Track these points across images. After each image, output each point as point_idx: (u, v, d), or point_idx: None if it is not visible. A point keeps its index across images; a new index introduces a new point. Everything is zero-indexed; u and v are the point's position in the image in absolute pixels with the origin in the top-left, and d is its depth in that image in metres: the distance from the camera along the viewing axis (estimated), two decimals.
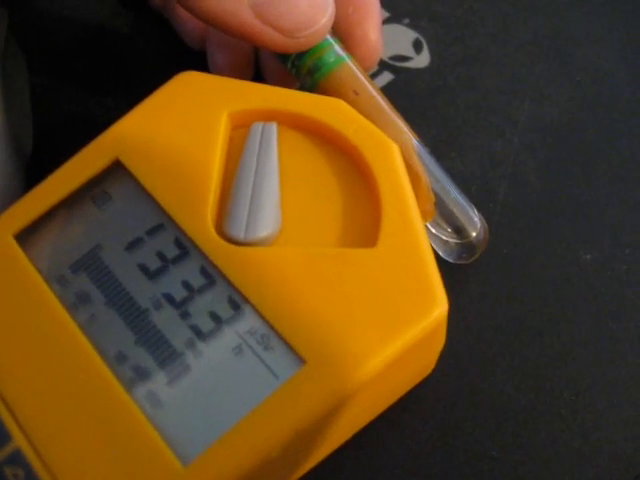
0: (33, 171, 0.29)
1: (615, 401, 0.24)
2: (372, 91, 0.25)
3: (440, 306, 0.20)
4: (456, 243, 0.24)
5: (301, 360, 0.20)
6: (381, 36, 0.27)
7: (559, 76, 0.30)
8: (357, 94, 0.25)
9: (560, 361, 0.25)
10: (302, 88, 0.26)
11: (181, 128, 0.23)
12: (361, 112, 0.23)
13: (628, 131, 0.29)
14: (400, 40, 0.31)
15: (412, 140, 0.24)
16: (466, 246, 0.24)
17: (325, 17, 0.24)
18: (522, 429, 0.24)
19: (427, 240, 0.21)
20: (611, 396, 0.24)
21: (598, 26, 0.31)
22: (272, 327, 0.20)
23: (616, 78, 0.30)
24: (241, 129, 0.24)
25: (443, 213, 0.24)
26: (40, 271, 0.22)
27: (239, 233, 0.21)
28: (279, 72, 0.28)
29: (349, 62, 0.25)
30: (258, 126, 0.23)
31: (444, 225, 0.24)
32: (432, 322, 0.20)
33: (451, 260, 0.25)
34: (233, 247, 0.21)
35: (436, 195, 0.24)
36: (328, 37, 0.25)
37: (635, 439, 0.23)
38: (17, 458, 0.20)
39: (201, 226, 0.22)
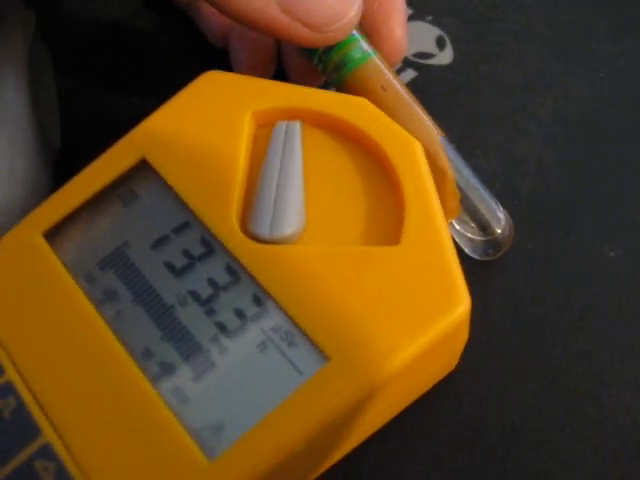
0: (61, 169, 0.29)
1: None
2: (399, 87, 0.25)
3: (463, 304, 0.20)
4: (481, 240, 0.24)
5: (325, 357, 0.20)
6: (406, 33, 0.27)
7: (582, 72, 0.30)
8: (384, 90, 0.25)
9: (584, 358, 0.25)
10: (328, 83, 0.26)
11: (206, 127, 0.24)
12: (387, 108, 0.24)
13: None
14: (423, 37, 0.31)
15: (438, 136, 0.24)
16: (491, 242, 0.24)
17: (353, 11, 0.24)
18: (545, 426, 0.24)
19: (450, 238, 0.21)
20: (636, 394, 0.24)
21: (622, 21, 0.31)
22: (296, 324, 0.20)
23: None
24: (265, 128, 0.24)
25: (468, 210, 0.24)
26: (68, 268, 0.23)
27: (264, 231, 0.22)
28: (302, 68, 0.28)
29: (376, 58, 0.25)
30: (282, 125, 0.23)
31: (469, 222, 0.24)
32: (455, 320, 0.20)
33: (476, 257, 0.25)
34: (258, 245, 0.22)
35: (461, 191, 0.24)
36: (355, 33, 0.25)
37: None
38: (47, 452, 0.20)
39: (226, 224, 0.22)
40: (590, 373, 0.24)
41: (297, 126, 0.23)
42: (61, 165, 0.29)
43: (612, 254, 0.26)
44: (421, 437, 0.24)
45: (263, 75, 0.29)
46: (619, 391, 0.24)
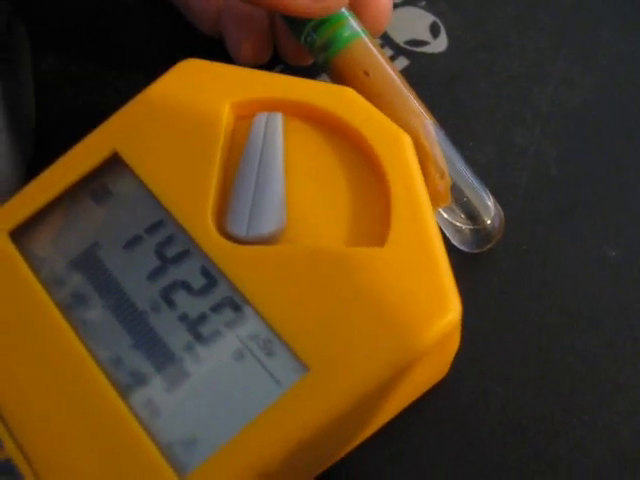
0: (36, 162, 0.28)
1: None
2: (387, 69, 0.24)
3: (453, 311, 0.19)
4: (470, 230, 0.23)
5: (304, 367, 0.19)
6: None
7: (583, 60, 0.28)
8: (368, 74, 0.23)
9: (582, 363, 0.23)
10: (315, 64, 0.25)
11: (182, 119, 0.22)
12: (374, 92, 0.23)
13: None
14: (416, 24, 0.30)
15: (426, 121, 0.23)
16: (480, 233, 0.23)
17: None
18: (540, 436, 0.22)
19: (440, 238, 0.20)
20: (636, 400, 0.23)
21: (625, 7, 0.29)
22: (275, 331, 0.19)
23: None
24: (245, 119, 0.22)
25: (456, 197, 0.23)
26: (35, 271, 0.21)
27: (240, 230, 0.20)
28: (293, 49, 0.27)
29: (364, 38, 0.24)
30: (262, 116, 0.22)
31: (458, 211, 0.23)
32: (444, 328, 0.19)
33: (465, 249, 0.24)
34: (235, 245, 0.20)
35: (451, 179, 0.23)
36: (344, 11, 0.24)
37: None
38: (8, 467, 0.19)
39: (201, 223, 0.21)
40: (588, 379, 0.23)
41: (278, 118, 0.22)
42: (36, 160, 0.28)
43: (613, 253, 0.25)
44: (409, 449, 0.22)
45: (260, 57, 0.28)
46: (619, 396, 0.23)
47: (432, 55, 0.29)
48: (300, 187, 0.21)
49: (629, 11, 0.29)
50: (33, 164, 0.28)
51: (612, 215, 0.26)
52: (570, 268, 0.25)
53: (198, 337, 0.20)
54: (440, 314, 0.19)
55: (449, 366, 0.22)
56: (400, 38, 0.29)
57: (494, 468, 0.22)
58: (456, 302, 0.19)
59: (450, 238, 0.24)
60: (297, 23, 0.25)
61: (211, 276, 0.20)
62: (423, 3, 0.30)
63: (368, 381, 0.18)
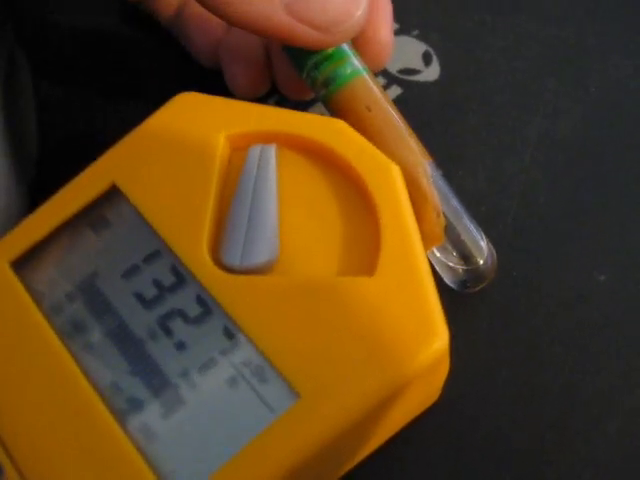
0: (38, 191, 0.29)
1: (631, 434, 0.23)
2: (386, 108, 0.24)
3: (440, 338, 0.19)
4: (462, 269, 0.23)
5: (296, 394, 0.19)
6: (392, 35, 0.26)
7: (573, 90, 0.29)
8: (369, 110, 0.24)
9: (573, 390, 0.24)
10: (316, 99, 0.25)
11: (178, 151, 0.23)
12: (373, 129, 0.23)
13: None
14: (409, 52, 0.30)
15: (425, 161, 0.23)
16: (473, 273, 0.23)
17: (359, 10, 0.23)
18: (533, 461, 0.23)
19: (428, 268, 0.20)
20: (626, 428, 0.23)
21: (614, 37, 0.30)
22: (267, 358, 0.20)
23: (633, 91, 0.29)
24: (241, 151, 0.23)
25: (451, 238, 0.23)
26: (35, 299, 0.22)
27: (234, 260, 0.21)
28: (293, 82, 0.28)
29: (365, 76, 0.24)
30: (256, 148, 0.23)
31: (451, 250, 0.23)
32: (432, 355, 0.19)
33: (457, 288, 0.24)
34: (229, 275, 0.21)
35: (446, 219, 0.23)
36: (346, 48, 0.25)
37: None
38: None
39: (197, 253, 0.21)
40: (580, 404, 0.24)
41: (272, 150, 0.23)
42: (38, 189, 0.29)
43: (602, 278, 0.25)
44: (399, 475, 0.23)
45: (258, 90, 0.28)
46: (610, 423, 0.23)
47: (425, 84, 0.30)
48: (293, 217, 0.22)
49: (618, 42, 0.30)
50: (35, 192, 0.29)
51: (601, 241, 0.26)
52: (560, 293, 0.25)
53: (193, 364, 0.20)
54: (428, 341, 0.19)
55: (440, 391, 0.23)
56: (393, 67, 0.30)
57: None
58: (443, 330, 0.19)
59: (443, 277, 0.24)
60: (300, 59, 0.25)
61: (206, 305, 0.21)
62: (416, 32, 0.31)
63: (358, 407, 0.19)
